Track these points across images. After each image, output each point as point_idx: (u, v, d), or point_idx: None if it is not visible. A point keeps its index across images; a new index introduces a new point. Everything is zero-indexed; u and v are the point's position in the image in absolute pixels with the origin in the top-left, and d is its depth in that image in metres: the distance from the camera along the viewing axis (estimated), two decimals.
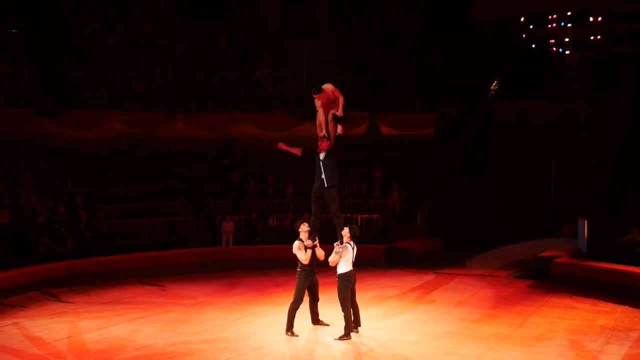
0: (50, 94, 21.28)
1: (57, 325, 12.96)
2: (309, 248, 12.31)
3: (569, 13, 21.95)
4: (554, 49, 23.13)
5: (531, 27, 23.37)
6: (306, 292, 12.48)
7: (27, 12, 21.84)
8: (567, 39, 22.14)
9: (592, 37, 22.58)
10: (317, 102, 12.69)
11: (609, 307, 14.59)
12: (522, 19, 23.21)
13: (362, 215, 20.78)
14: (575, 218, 19.00)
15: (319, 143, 12.62)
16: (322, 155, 12.57)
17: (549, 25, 22.75)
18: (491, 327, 12.92)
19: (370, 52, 24.83)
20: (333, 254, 12.04)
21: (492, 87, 24.22)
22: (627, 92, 21.85)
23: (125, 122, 21.99)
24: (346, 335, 12.01)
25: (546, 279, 17.17)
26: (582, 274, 16.59)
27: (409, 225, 21.18)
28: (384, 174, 21.93)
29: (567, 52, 22.12)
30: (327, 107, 12.64)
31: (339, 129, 12.61)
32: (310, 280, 12.44)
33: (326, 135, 12.57)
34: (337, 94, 12.59)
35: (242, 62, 24.43)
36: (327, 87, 12.62)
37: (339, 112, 12.49)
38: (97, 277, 16.85)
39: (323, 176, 12.52)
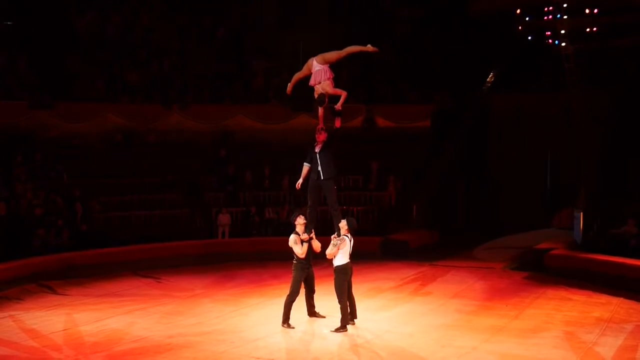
0: (45, 86, 21.20)
1: (53, 318, 12.95)
2: (305, 241, 12.31)
3: (564, 5, 21.88)
4: (550, 41, 23.08)
5: (527, 19, 23.31)
6: (302, 284, 12.50)
7: (22, 3, 21.72)
8: (563, 31, 22.09)
9: (588, 29, 22.54)
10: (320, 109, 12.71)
11: (604, 298, 14.62)
12: (518, 11, 23.15)
13: (358, 208, 20.81)
14: (569, 209, 19.02)
15: (316, 136, 12.64)
16: (317, 149, 12.60)
17: (545, 17, 22.68)
18: (487, 319, 12.95)
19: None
20: (330, 247, 12.03)
21: (488, 80, 24.23)
22: (623, 83, 21.84)
23: (121, 115, 21.90)
24: (342, 328, 12.02)
25: (542, 271, 17.21)
26: (577, 265, 16.63)
27: (405, 217, 21.23)
28: (380, 166, 21.94)
29: (563, 44, 22.08)
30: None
31: (338, 122, 12.65)
32: (306, 273, 12.45)
33: (324, 128, 12.58)
34: (339, 91, 12.57)
35: (238, 54, 24.37)
36: (327, 88, 12.57)
37: (338, 106, 12.50)
38: (93, 270, 16.83)
39: (319, 169, 12.54)
